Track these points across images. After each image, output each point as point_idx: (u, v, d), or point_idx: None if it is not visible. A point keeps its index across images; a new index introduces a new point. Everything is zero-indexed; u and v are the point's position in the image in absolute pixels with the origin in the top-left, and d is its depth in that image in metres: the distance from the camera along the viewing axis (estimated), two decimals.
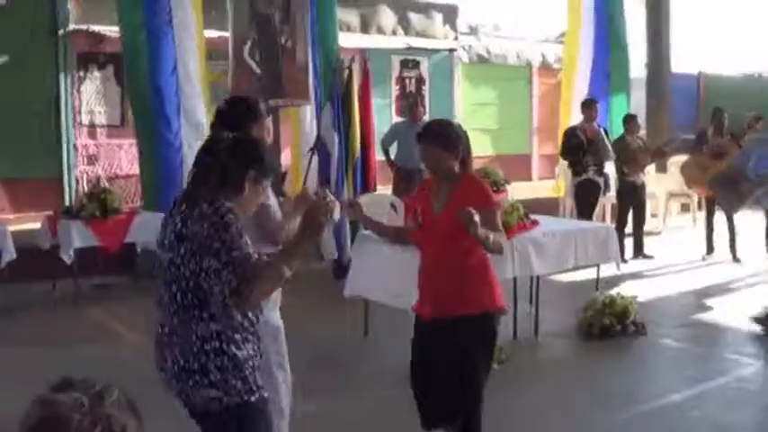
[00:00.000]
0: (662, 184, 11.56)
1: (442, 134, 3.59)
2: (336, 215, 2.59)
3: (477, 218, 3.26)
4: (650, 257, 9.41)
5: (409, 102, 10.27)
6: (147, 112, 7.97)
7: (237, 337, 2.55)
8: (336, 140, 7.88)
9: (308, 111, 8.70)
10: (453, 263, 3.51)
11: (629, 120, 9.51)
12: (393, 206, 6.17)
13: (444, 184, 3.59)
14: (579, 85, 10.93)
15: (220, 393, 2.53)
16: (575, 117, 9.85)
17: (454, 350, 3.51)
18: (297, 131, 9.22)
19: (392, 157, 9.33)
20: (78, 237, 7.29)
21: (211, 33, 8.88)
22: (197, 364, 2.51)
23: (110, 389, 1.38)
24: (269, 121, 3.55)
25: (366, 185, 8.27)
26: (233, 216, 2.48)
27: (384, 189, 9.12)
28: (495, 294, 3.61)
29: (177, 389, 2.57)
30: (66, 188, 9.76)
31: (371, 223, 4.06)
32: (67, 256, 7.25)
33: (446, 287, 3.55)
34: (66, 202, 9.12)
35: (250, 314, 2.60)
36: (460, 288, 3.52)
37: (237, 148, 2.62)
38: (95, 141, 10.00)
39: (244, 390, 2.56)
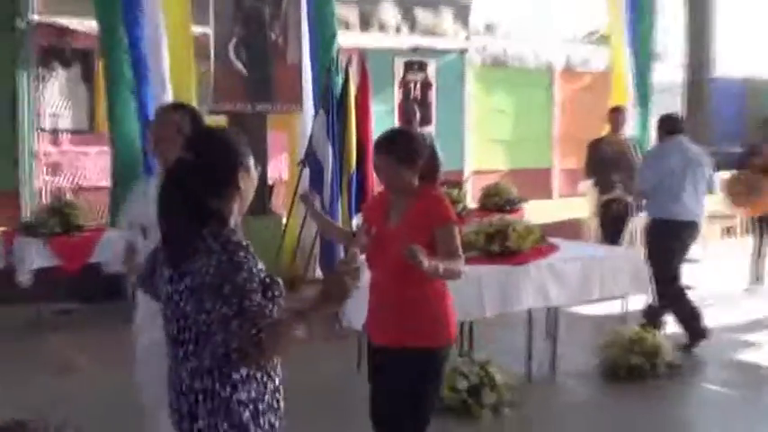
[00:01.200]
0: None
1: (398, 145, 3.68)
2: (363, 281, 2.61)
3: (423, 256, 3.32)
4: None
5: (407, 107, 10.28)
6: (127, 117, 8.02)
7: (236, 376, 2.50)
8: (330, 152, 7.91)
9: (309, 117, 8.73)
10: (403, 285, 3.60)
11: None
12: None
13: (401, 198, 3.68)
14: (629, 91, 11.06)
15: None
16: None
17: (395, 382, 3.65)
18: (294, 140, 9.27)
19: None
20: (37, 256, 7.33)
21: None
22: (186, 406, 2.50)
23: (65, 431, 1.40)
24: (177, 118, 3.73)
25: (362, 202, 8.29)
26: (244, 254, 2.45)
27: None
28: (447, 326, 3.70)
29: None
30: (25, 201, 9.78)
31: (316, 216, 4.26)
32: (25, 278, 7.28)
33: (392, 312, 3.65)
34: (25, 218, 9.15)
35: None
36: (406, 317, 3.62)
37: (214, 162, 2.55)
38: (59, 149, 10.04)
39: None
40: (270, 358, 2.51)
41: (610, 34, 11.77)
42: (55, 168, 9.96)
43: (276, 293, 2.49)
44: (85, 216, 7.72)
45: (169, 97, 7.63)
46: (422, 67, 12.90)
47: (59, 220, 7.44)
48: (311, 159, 8.06)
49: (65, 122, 10.07)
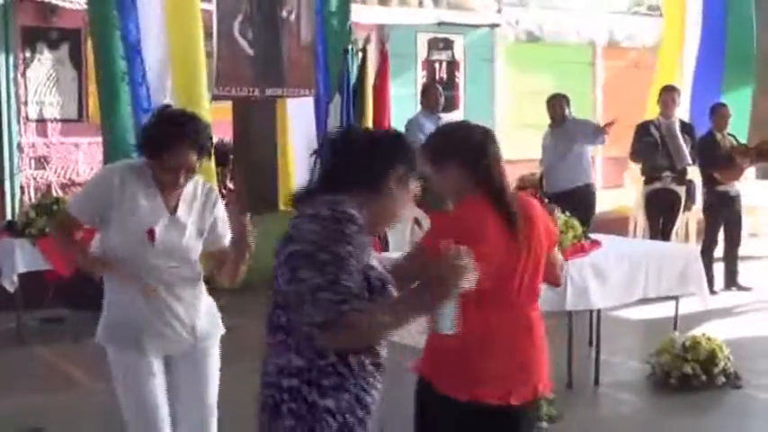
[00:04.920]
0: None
1: (430, 143, 3.31)
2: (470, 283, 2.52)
3: None
4: (747, 290, 9.42)
5: (426, 87, 10.16)
6: (120, 104, 8.04)
7: (326, 382, 2.55)
8: None
9: (309, 101, 8.71)
10: (536, 319, 3.31)
11: (717, 110, 9.58)
12: (417, 221, 6.26)
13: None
14: (684, 69, 10.99)
15: None
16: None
17: None
18: (283, 124, 9.27)
19: None
20: (23, 259, 7.41)
21: None
22: (272, 399, 2.58)
23: None
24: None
25: None
26: (356, 228, 2.50)
27: None
28: None
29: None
30: (9, 198, 9.89)
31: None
32: (10, 283, 7.38)
33: (544, 352, 3.32)
34: (9, 216, 9.26)
35: (358, 357, 2.58)
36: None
37: (378, 143, 2.70)
38: (45, 140, 10.14)
39: None
40: (350, 342, 2.53)
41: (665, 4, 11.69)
42: (42, 161, 10.06)
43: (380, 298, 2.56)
44: None
45: (168, 82, 7.62)
46: (448, 44, 12.92)
47: (48, 218, 7.50)
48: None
49: (52, 111, 10.15)
